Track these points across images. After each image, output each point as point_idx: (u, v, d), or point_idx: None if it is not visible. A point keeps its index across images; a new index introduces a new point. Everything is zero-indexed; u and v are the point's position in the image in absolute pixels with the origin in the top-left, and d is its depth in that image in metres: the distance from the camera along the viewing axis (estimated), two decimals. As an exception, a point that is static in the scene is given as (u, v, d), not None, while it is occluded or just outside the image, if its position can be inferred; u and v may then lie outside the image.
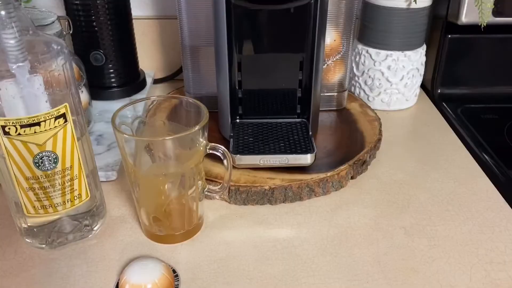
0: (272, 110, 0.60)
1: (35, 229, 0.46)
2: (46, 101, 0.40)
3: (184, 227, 0.48)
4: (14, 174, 0.42)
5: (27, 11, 0.57)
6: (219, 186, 0.50)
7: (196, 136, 0.44)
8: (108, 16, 0.69)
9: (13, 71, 0.38)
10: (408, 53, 0.71)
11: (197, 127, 0.43)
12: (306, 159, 0.54)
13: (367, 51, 0.73)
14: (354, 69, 0.76)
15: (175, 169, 0.46)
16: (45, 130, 0.40)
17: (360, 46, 0.74)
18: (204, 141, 0.45)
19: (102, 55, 0.71)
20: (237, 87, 0.58)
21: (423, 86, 0.81)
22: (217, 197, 0.53)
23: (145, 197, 0.46)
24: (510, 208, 0.53)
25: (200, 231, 0.49)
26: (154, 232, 0.48)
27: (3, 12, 0.36)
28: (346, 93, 0.70)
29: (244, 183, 0.53)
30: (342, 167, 0.55)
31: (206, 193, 0.50)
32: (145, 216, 0.47)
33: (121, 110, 0.45)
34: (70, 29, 0.67)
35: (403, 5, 0.67)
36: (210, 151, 0.46)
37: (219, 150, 0.46)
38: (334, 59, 0.67)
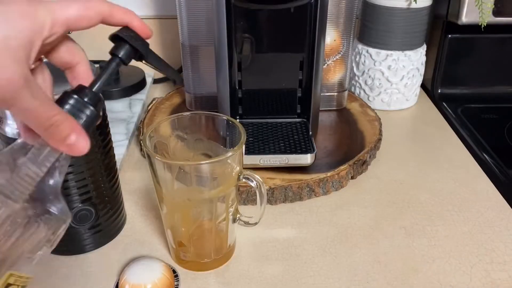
0: (272, 110, 0.60)
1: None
2: None
3: (211, 256, 0.45)
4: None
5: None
6: (251, 218, 0.46)
7: (228, 161, 0.40)
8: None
9: None
10: (408, 53, 0.71)
11: (230, 153, 0.39)
12: (306, 159, 0.54)
13: (367, 51, 0.73)
14: (354, 69, 0.76)
15: (202, 194, 0.42)
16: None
17: (360, 46, 0.74)
18: (238, 168, 0.41)
19: None
20: (237, 87, 0.58)
21: (423, 86, 0.81)
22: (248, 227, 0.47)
23: (171, 219, 0.44)
24: (510, 208, 0.53)
25: (229, 260, 0.46)
26: (179, 256, 0.45)
27: None
28: (346, 93, 0.70)
29: (244, 183, 0.52)
30: (342, 167, 0.55)
31: (239, 222, 0.45)
32: (171, 238, 0.45)
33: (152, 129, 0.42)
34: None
35: (403, 5, 0.67)
36: (244, 180, 0.42)
37: (253, 180, 0.42)
38: (334, 59, 0.67)
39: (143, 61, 0.32)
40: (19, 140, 0.29)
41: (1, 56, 0.24)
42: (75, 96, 0.29)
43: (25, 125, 0.29)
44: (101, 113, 0.30)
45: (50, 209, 0.29)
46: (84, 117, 0.29)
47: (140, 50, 0.31)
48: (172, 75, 0.35)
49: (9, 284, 0.27)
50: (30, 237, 0.28)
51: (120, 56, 0.31)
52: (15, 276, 0.28)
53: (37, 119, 0.26)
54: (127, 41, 0.31)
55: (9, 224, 0.26)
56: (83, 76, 0.31)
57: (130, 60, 0.31)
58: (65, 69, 0.31)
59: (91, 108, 0.29)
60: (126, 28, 0.31)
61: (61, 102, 0.28)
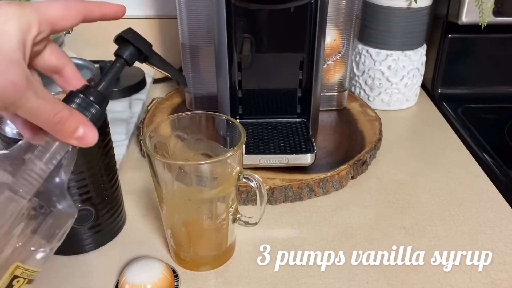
0: (272, 110, 0.60)
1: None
2: None
3: (211, 256, 0.45)
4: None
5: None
6: (252, 219, 0.45)
7: (228, 161, 0.40)
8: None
9: None
10: (408, 52, 0.71)
11: (230, 153, 0.39)
12: (306, 159, 0.54)
13: (367, 51, 0.73)
14: (354, 69, 0.76)
15: (202, 194, 0.42)
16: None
17: (360, 46, 0.74)
18: (238, 168, 0.41)
19: None
20: (237, 87, 0.58)
21: (423, 86, 0.81)
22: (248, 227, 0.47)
23: (171, 219, 0.44)
24: (510, 208, 0.53)
25: (229, 260, 0.46)
26: (179, 256, 0.45)
27: None
28: (346, 93, 0.70)
29: (244, 183, 0.52)
30: (342, 167, 0.55)
31: (239, 222, 0.45)
32: (171, 238, 0.45)
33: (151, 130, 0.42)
34: (70, 30, 0.67)
35: (404, 4, 0.67)
36: (244, 180, 0.42)
37: (253, 181, 0.41)
38: (334, 58, 0.67)
39: (147, 63, 0.33)
40: (23, 141, 0.30)
41: (1, 62, 0.25)
42: (81, 95, 0.29)
43: (26, 127, 0.29)
44: (106, 112, 0.31)
45: (56, 206, 0.29)
46: (89, 115, 0.29)
47: (143, 50, 0.31)
48: (176, 77, 0.35)
49: (16, 276, 0.28)
50: (36, 231, 0.28)
51: (124, 56, 0.31)
52: (22, 268, 0.28)
53: (44, 117, 0.27)
54: (131, 42, 0.31)
55: (17, 218, 0.27)
56: (74, 78, 0.31)
57: (134, 61, 0.32)
58: (53, 74, 0.31)
59: (97, 106, 0.29)
60: (129, 30, 0.31)
61: (67, 101, 0.29)
